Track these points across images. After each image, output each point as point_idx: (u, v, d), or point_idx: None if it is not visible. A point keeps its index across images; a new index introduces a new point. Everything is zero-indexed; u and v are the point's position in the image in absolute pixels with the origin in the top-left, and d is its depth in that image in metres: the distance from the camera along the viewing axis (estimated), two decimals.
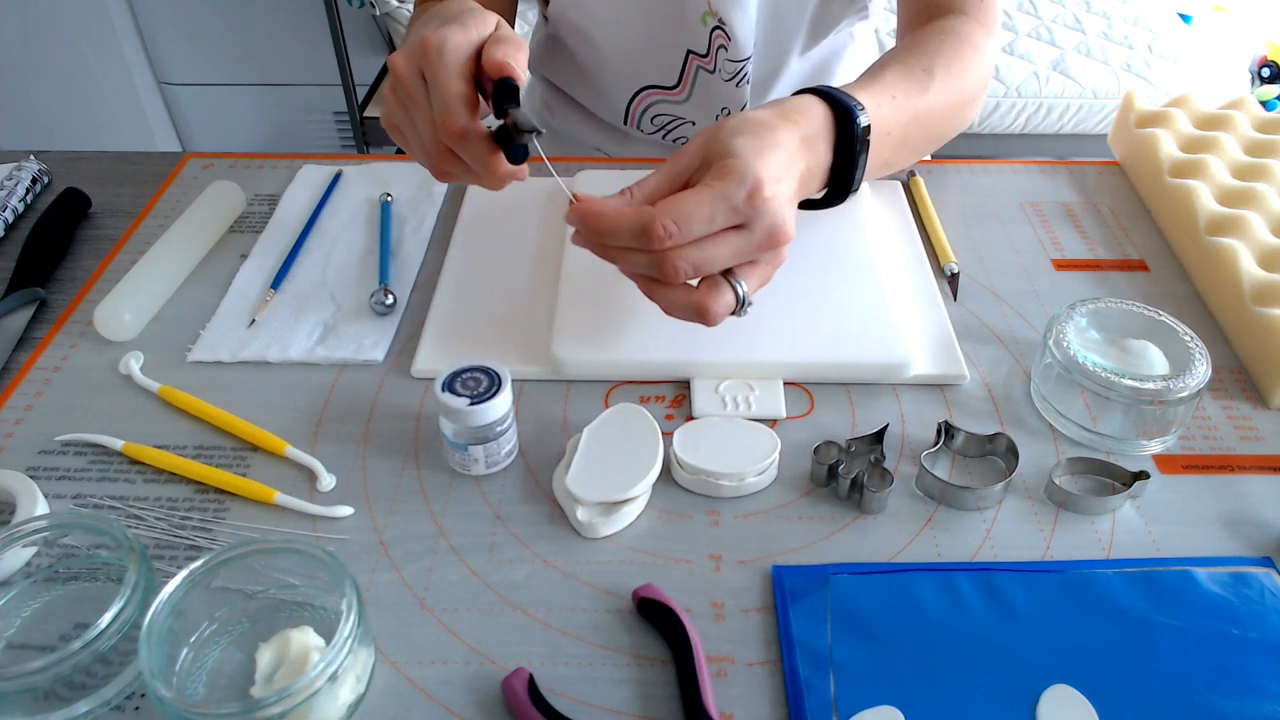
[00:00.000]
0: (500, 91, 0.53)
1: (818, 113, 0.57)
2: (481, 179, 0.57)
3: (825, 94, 0.59)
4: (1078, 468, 0.56)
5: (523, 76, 0.54)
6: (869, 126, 0.59)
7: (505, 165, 0.55)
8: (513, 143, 0.53)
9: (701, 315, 0.52)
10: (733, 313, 0.53)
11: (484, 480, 0.55)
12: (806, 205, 0.63)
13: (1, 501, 0.53)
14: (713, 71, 0.85)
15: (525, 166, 0.56)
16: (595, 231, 0.51)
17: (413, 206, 0.76)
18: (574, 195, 0.52)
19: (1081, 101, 1.87)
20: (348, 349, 0.63)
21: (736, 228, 0.51)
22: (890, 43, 2.03)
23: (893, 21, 1.96)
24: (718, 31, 0.81)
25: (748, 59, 0.83)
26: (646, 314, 0.63)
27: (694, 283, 0.52)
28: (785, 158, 0.53)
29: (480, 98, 0.55)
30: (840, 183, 0.61)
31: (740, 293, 0.52)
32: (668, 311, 0.54)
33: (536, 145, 0.53)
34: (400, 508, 0.53)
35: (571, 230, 0.67)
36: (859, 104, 0.59)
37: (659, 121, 0.91)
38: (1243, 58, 2.32)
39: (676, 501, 0.54)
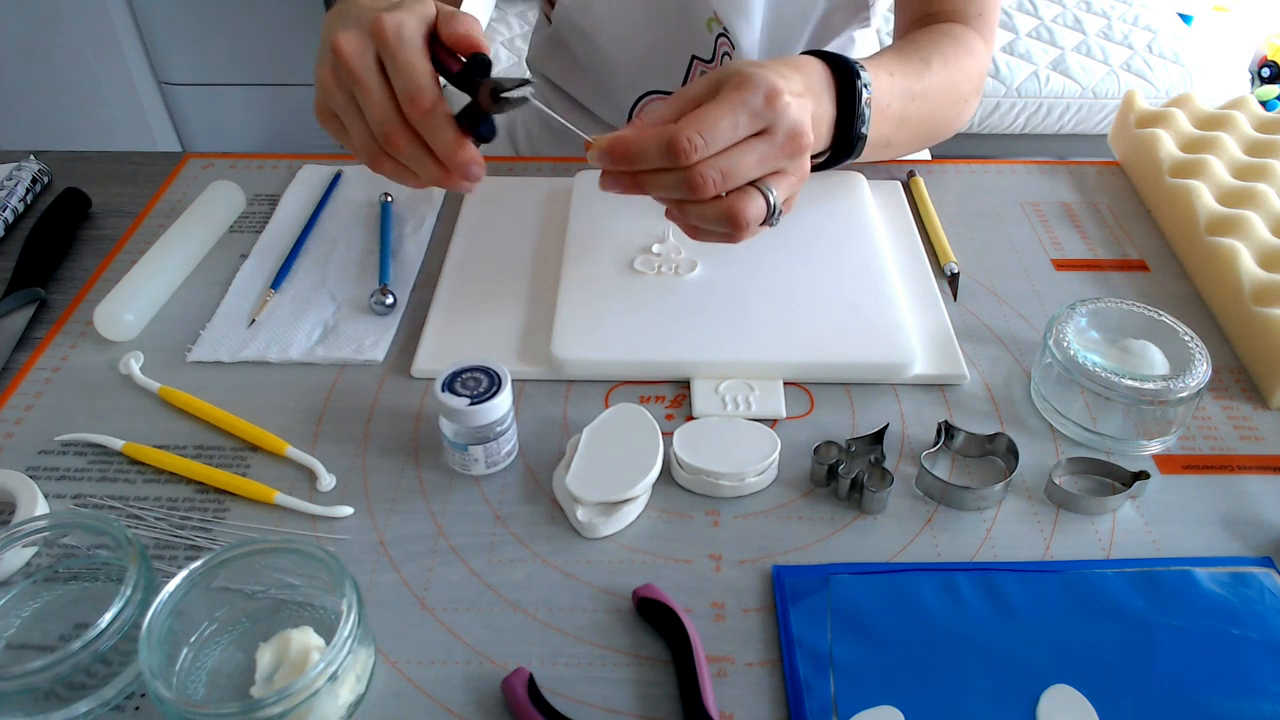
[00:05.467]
0: (473, 65, 0.52)
1: (816, 66, 0.59)
2: (425, 171, 0.53)
3: (823, 54, 0.61)
4: (1078, 468, 0.56)
5: (488, 51, 0.53)
6: (869, 85, 0.60)
7: (469, 151, 0.52)
8: (481, 120, 0.52)
9: (733, 222, 0.52)
10: (764, 222, 0.53)
11: (484, 480, 0.55)
12: (813, 167, 0.64)
13: (1, 501, 0.53)
14: None
15: (482, 166, 0.53)
16: (622, 157, 0.51)
17: (413, 206, 0.76)
18: (588, 139, 0.52)
19: (1081, 101, 1.87)
20: (348, 349, 0.63)
21: (759, 134, 0.52)
22: (890, 41, 2.00)
23: (892, 22, 1.96)
24: (722, 39, 0.82)
25: None
26: (646, 314, 0.63)
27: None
28: (795, 85, 0.54)
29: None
30: (844, 142, 0.62)
31: (771, 199, 0.52)
32: (698, 230, 0.54)
33: (534, 101, 0.52)
34: (400, 508, 0.53)
35: (571, 239, 0.68)
36: (859, 64, 0.60)
37: None
38: (1243, 58, 2.32)
39: (676, 501, 0.54)
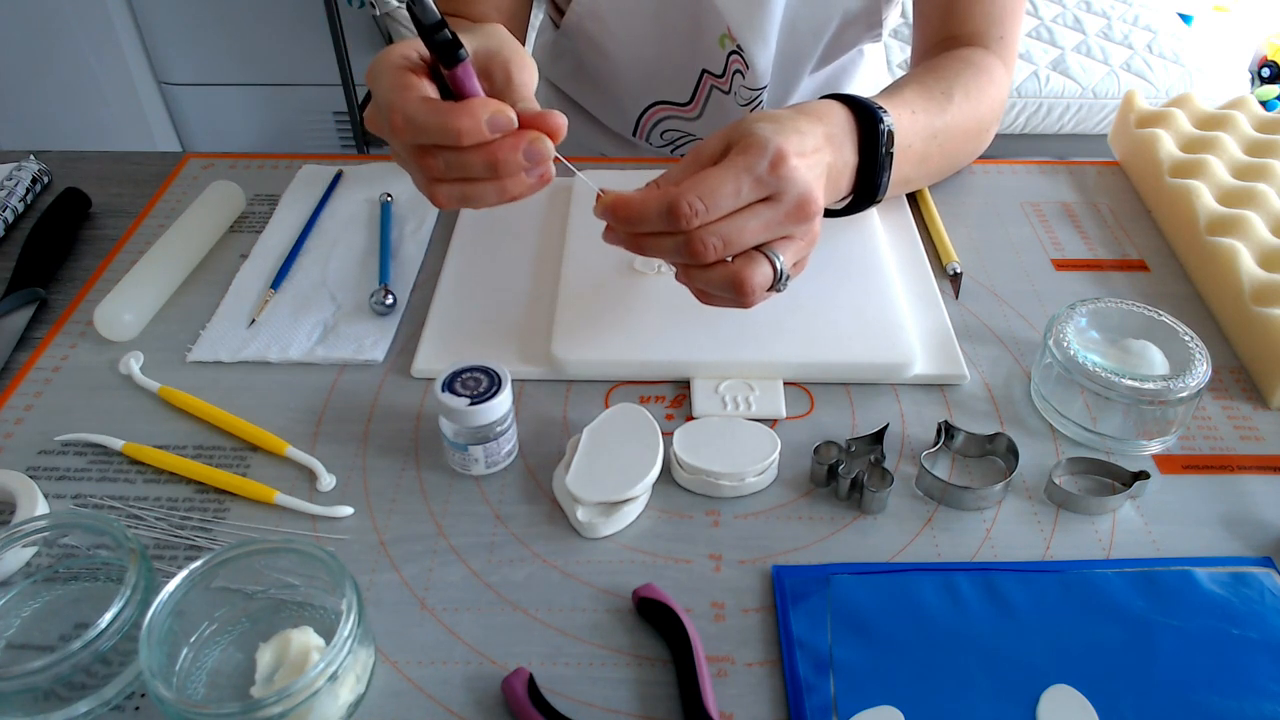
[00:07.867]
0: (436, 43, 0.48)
1: (839, 113, 0.58)
2: (470, 162, 0.50)
3: (846, 98, 0.59)
4: (1078, 468, 0.56)
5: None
6: (892, 131, 0.59)
7: (466, 117, 0.47)
8: (432, 39, 0.47)
9: (738, 289, 0.51)
10: (771, 288, 0.52)
11: (484, 480, 0.55)
12: (832, 213, 0.63)
13: (1, 501, 0.53)
14: (727, 92, 0.85)
15: (498, 113, 0.48)
16: (624, 219, 0.50)
17: (413, 206, 0.76)
18: (599, 190, 0.52)
19: (1081, 101, 1.87)
20: (348, 349, 0.63)
21: (765, 200, 0.51)
22: (896, 44, 2.01)
23: (897, 22, 1.95)
24: (735, 57, 0.81)
25: (764, 88, 0.83)
26: (646, 314, 0.63)
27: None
28: (810, 142, 0.53)
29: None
30: (866, 187, 0.61)
31: (778, 265, 0.51)
32: (705, 294, 0.53)
33: (552, 148, 0.50)
34: (400, 508, 0.53)
35: (571, 239, 0.68)
36: (881, 107, 0.59)
37: (669, 136, 0.91)
38: (1243, 58, 2.32)
39: (676, 501, 0.54)
